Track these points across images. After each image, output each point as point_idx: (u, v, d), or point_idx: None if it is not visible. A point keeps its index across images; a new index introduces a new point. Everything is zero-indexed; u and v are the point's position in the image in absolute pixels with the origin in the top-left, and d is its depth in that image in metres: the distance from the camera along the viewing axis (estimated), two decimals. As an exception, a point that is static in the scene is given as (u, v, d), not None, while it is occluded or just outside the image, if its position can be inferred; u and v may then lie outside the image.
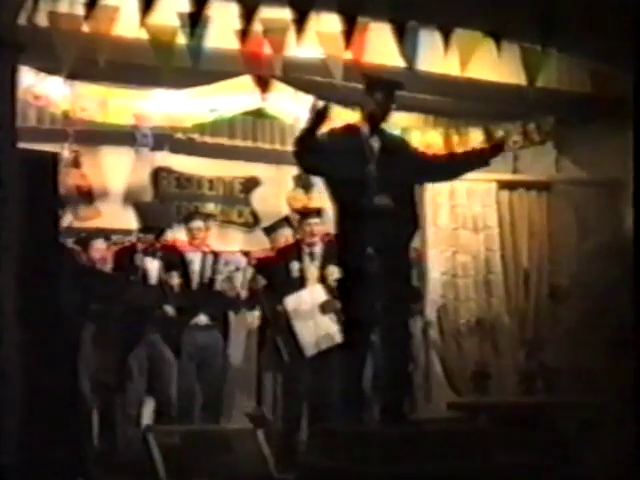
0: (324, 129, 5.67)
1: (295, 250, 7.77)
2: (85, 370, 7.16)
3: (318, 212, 7.93)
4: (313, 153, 5.60)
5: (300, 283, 7.70)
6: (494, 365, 8.77)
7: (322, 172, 5.79)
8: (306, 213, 8.09)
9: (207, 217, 8.39)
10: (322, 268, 7.67)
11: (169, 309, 7.54)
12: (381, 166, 5.62)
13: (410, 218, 5.79)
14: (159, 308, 7.45)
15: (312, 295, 7.64)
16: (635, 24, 5.72)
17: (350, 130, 5.83)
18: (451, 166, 6.12)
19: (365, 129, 5.77)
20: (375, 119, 5.78)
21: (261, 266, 7.93)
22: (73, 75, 7.67)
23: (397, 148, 5.84)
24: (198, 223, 7.98)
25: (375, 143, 5.74)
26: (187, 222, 8.05)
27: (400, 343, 5.74)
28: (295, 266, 7.68)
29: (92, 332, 7.28)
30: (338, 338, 6.90)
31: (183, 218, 8.29)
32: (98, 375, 7.26)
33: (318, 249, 7.74)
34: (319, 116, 5.59)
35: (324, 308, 7.57)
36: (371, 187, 5.54)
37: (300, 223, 7.91)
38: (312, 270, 7.71)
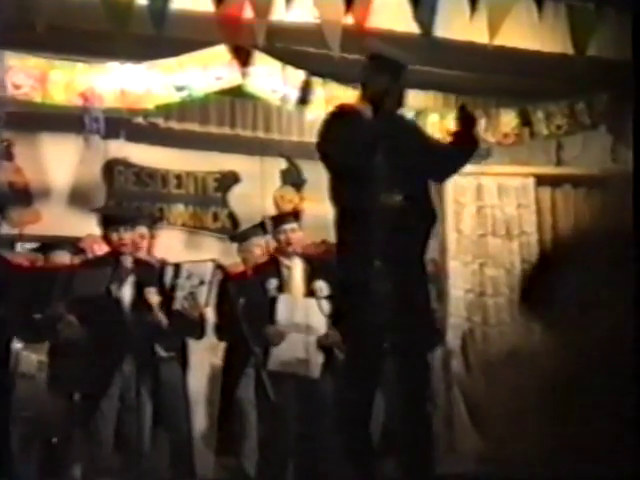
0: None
1: (272, 266, 7.68)
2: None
3: (295, 215, 7.90)
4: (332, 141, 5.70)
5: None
6: (534, 406, 8.75)
7: (341, 163, 5.71)
8: (280, 218, 8.02)
9: (153, 221, 8.27)
10: (308, 284, 7.58)
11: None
12: (387, 156, 5.63)
13: (426, 218, 5.81)
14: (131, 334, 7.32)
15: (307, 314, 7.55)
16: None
17: (349, 112, 5.85)
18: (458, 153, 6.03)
19: (367, 112, 5.75)
20: (379, 101, 5.77)
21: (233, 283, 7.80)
22: (4, 43, 7.67)
23: (406, 135, 5.85)
24: (141, 229, 7.79)
25: (379, 129, 5.73)
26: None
27: (418, 378, 5.74)
28: (273, 284, 7.56)
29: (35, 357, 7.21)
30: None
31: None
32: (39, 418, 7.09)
33: (298, 262, 7.64)
34: None
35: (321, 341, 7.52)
36: (378, 182, 5.57)
37: (274, 231, 7.78)
38: (293, 287, 7.60)
